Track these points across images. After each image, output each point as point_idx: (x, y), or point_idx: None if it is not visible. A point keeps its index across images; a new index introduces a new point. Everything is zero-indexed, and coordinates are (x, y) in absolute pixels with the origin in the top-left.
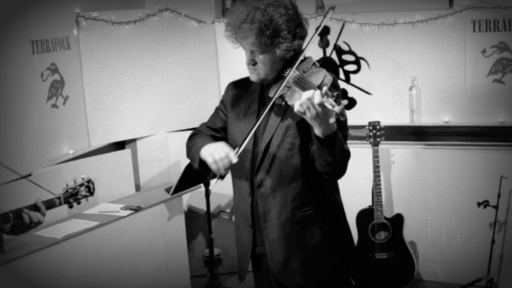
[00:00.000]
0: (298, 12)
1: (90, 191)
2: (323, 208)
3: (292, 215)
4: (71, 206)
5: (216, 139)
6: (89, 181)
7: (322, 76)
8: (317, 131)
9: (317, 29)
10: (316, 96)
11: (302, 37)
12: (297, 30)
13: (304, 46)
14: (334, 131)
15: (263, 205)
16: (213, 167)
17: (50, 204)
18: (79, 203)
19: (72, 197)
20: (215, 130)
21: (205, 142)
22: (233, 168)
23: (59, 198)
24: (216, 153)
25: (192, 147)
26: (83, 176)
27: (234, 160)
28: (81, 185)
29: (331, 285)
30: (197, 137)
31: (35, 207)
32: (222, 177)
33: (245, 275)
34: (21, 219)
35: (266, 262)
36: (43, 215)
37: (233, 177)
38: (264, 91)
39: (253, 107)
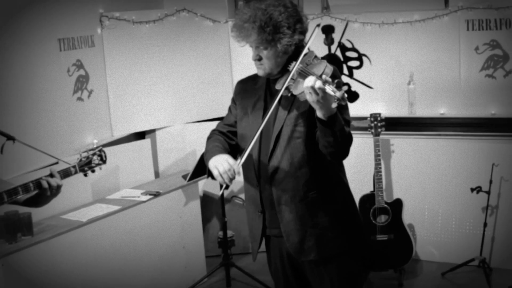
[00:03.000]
0: (297, 10)
1: (103, 159)
2: (332, 189)
3: (305, 198)
4: (86, 175)
5: (233, 134)
6: (100, 150)
7: (323, 66)
8: (319, 113)
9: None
10: (317, 82)
11: (302, 32)
12: (297, 25)
13: (306, 40)
14: (334, 113)
15: (277, 190)
16: (219, 179)
17: (66, 173)
18: (93, 171)
19: (86, 165)
20: (230, 125)
21: (213, 153)
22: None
23: (74, 167)
24: (220, 166)
25: (205, 155)
26: (95, 142)
27: (237, 173)
28: (93, 154)
29: (342, 261)
30: (209, 143)
31: (51, 175)
32: (227, 186)
33: (256, 256)
34: (40, 188)
35: (280, 243)
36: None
37: (244, 167)
38: (270, 86)
39: (260, 102)
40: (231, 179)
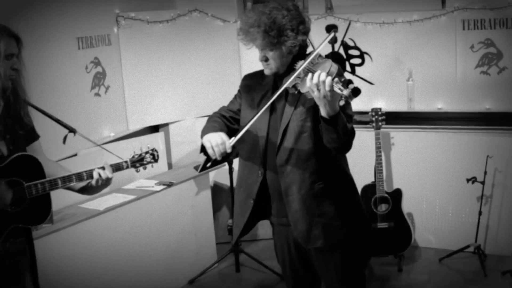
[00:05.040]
0: (300, 11)
1: (155, 159)
2: (336, 180)
3: (311, 189)
4: (137, 171)
5: (234, 119)
6: (153, 149)
7: (328, 65)
8: (323, 111)
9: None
10: (327, 81)
11: (305, 32)
12: (300, 27)
13: (308, 40)
14: (337, 112)
15: (284, 182)
16: (210, 151)
17: (118, 167)
18: (145, 168)
19: (138, 162)
20: (233, 112)
21: (209, 130)
22: (245, 149)
23: (126, 162)
24: (213, 139)
25: (202, 132)
26: (149, 145)
27: (229, 149)
28: (146, 152)
29: (346, 248)
30: (209, 122)
31: (102, 168)
32: (216, 161)
33: (236, 240)
34: (92, 178)
35: (287, 231)
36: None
37: (244, 157)
38: (277, 83)
39: (267, 98)
40: (222, 153)
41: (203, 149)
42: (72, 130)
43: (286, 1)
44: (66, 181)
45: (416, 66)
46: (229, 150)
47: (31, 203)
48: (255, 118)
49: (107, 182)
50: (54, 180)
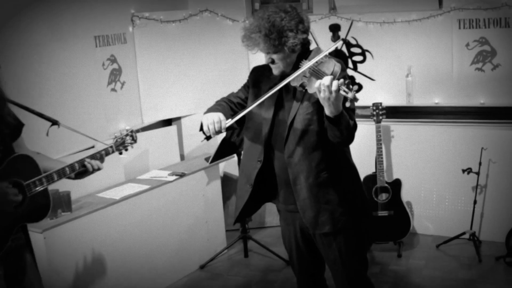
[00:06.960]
0: (298, 11)
1: (134, 139)
2: (341, 169)
3: (317, 177)
4: (121, 153)
5: (241, 106)
6: (132, 131)
7: (332, 65)
8: (327, 111)
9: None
10: (334, 84)
11: (305, 31)
12: (299, 26)
13: (311, 36)
14: (340, 112)
15: (292, 172)
16: (205, 128)
17: (106, 152)
18: (127, 149)
19: (121, 145)
20: (241, 99)
21: (212, 110)
22: (248, 137)
23: (111, 147)
24: (210, 117)
25: (204, 112)
26: (127, 128)
27: (223, 129)
28: (126, 135)
29: (349, 233)
30: (214, 104)
31: (92, 157)
32: (209, 137)
33: (236, 222)
34: (84, 167)
35: (294, 217)
36: (102, 162)
37: (247, 145)
38: (284, 78)
39: (274, 93)
40: (217, 131)
41: (201, 127)
42: (55, 123)
43: (285, 3)
44: (61, 174)
45: (414, 63)
46: (223, 130)
47: (32, 200)
48: (254, 105)
49: (98, 170)
50: (50, 175)
